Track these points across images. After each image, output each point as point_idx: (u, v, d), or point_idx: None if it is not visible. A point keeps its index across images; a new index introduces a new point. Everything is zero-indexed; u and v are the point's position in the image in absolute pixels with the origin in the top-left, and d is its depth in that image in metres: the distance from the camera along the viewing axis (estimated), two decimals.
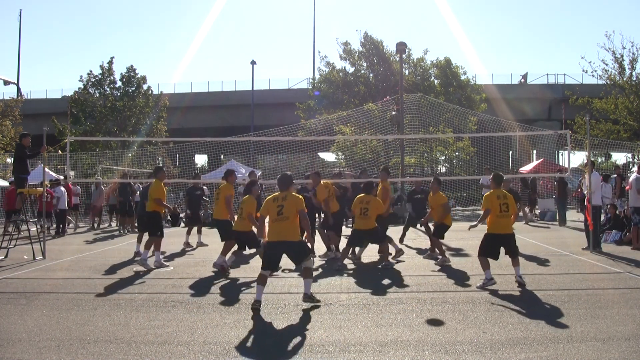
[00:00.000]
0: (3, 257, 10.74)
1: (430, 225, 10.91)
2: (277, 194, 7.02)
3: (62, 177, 19.81)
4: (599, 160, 35.80)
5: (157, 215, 9.87)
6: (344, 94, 32.82)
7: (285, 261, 6.92)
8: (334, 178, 12.16)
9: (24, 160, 11.20)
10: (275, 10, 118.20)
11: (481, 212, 7.99)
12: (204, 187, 15.64)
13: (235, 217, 9.41)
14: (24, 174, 11.28)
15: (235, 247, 9.29)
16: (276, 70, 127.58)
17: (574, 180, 21.98)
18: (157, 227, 9.72)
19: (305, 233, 7.38)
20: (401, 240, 12.15)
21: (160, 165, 10.62)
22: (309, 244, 8.33)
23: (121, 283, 8.29)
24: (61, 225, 16.68)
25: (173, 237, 15.41)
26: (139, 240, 11.41)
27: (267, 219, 6.88)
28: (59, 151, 20.74)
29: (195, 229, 13.36)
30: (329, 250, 10.65)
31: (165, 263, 9.76)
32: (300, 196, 7.14)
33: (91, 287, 7.92)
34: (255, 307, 6.32)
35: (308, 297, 6.64)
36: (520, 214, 20.65)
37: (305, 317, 6.04)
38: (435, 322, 5.73)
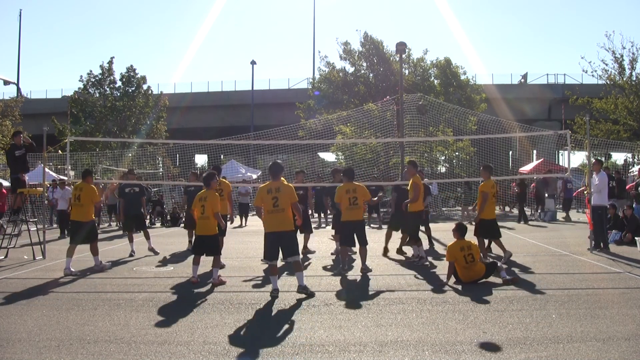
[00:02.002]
0: (3, 257, 10.74)
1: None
2: (269, 183, 7.25)
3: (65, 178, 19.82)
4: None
5: (80, 224, 9.52)
6: (344, 94, 32.79)
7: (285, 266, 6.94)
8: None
9: (14, 159, 11.13)
10: (275, 10, 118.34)
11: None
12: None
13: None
14: (15, 173, 11.25)
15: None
16: (276, 70, 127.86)
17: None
18: (96, 234, 9.75)
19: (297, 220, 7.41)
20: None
21: (88, 169, 10.32)
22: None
23: (121, 283, 8.29)
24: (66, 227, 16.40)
25: (174, 237, 15.42)
26: (131, 240, 11.54)
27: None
28: (59, 151, 20.72)
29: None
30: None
31: (106, 264, 9.55)
32: (292, 185, 7.39)
33: (91, 287, 7.92)
34: (274, 295, 6.89)
35: (302, 288, 7.04)
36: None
37: (306, 317, 6.04)
38: (435, 322, 5.73)
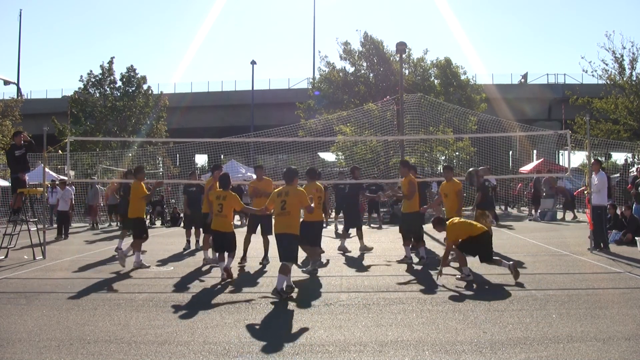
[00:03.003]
0: (3, 257, 10.74)
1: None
2: (281, 187, 7.50)
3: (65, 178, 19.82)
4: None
5: (143, 220, 10.07)
6: (344, 94, 32.78)
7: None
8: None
9: (14, 160, 11.17)
10: (275, 10, 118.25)
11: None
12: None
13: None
14: (15, 173, 11.27)
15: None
16: (276, 70, 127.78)
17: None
18: (144, 230, 9.88)
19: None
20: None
21: (140, 165, 10.65)
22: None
23: (121, 283, 8.29)
24: (63, 228, 16.02)
25: (174, 237, 15.41)
26: (122, 237, 11.68)
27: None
28: (59, 151, 20.73)
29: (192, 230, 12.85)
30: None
31: (145, 264, 9.62)
32: (303, 190, 7.57)
33: (91, 287, 7.92)
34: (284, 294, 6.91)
35: (277, 292, 6.88)
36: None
37: (306, 317, 6.04)
38: (435, 322, 5.73)
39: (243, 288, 7.74)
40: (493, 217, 17.58)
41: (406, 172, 9.94)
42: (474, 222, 8.29)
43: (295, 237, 7.25)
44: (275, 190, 7.53)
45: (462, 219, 8.36)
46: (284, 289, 6.94)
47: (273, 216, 7.85)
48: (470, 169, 11.46)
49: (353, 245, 11.72)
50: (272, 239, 9.75)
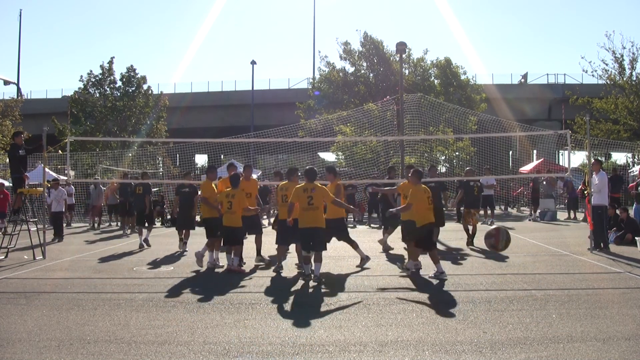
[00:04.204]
0: (3, 257, 10.74)
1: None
2: (304, 184, 8.07)
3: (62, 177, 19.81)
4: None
5: (213, 220, 9.58)
6: (344, 94, 32.79)
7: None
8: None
9: (17, 159, 11.17)
10: (275, 10, 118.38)
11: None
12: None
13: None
14: (18, 173, 11.28)
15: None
16: (276, 70, 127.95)
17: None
18: (216, 229, 9.49)
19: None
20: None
21: (212, 164, 10.78)
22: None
23: (121, 283, 8.29)
24: (59, 230, 15.24)
25: (174, 237, 15.38)
26: (140, 233, 12.52)
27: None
28: (59, 151, 20.73)
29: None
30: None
31: (219, 262, 9.59)
32: (326, 188, 8.25)
33: (91, 287, 7.92)
34: (307, 278, 7.82)
35: (317, 278, 7.75)
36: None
37: (306, 317, 6.03)
38: (435, 322, 5.73)
39: (243, 288, 7.74)
40: (491, 216, 17.54)
41: (332, 177, 9.58)
42: (429, 210, 8.30)
43: (323, 229, 8.01)
44: (299, 187, 8.08)
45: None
46: (318, 275, 7.83)
47: (299, 210, 8.07)
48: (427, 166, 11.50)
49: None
50: (264, 237, 9.98)
